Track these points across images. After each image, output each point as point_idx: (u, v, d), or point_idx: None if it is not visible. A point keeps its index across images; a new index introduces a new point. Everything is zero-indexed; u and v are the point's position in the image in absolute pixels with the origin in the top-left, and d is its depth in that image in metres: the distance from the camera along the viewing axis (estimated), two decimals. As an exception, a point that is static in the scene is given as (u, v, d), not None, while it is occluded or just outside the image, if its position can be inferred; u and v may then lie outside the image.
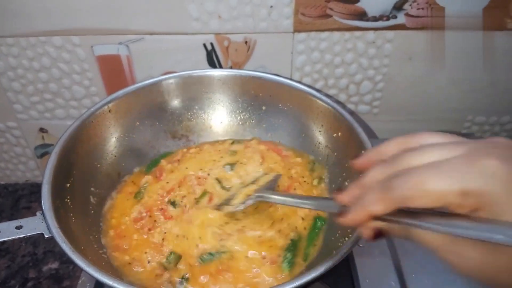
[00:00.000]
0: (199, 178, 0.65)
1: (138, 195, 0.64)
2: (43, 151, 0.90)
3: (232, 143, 0.73)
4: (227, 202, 0.61)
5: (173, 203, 0.62)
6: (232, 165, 0.67)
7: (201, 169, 0.67)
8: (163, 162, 0.69)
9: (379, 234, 0.34)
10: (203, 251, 0.56)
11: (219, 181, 0.65)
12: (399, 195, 0.30)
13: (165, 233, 0.59)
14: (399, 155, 0.32)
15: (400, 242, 0.66)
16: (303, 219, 0.60)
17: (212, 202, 0.62)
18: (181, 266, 0.55)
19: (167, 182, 0.66)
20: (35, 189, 0.94)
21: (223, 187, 0.64)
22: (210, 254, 0.55)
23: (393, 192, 0.30)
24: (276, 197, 0.54)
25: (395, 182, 0.30)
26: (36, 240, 0.82)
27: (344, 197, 0.35)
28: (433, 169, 0.29)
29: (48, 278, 0.76)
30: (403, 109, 0.86)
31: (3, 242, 0.80)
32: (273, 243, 0.56)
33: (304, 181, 0.65)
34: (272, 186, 0.60)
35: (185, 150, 0.72)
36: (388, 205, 0.31)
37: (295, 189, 0.64)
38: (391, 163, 0.32)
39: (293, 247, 0.56)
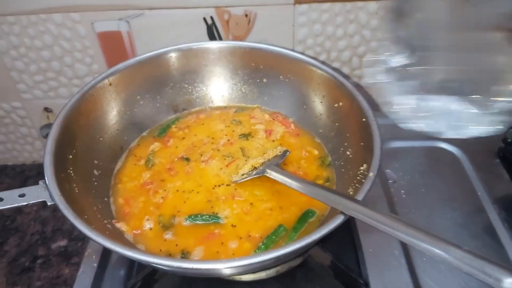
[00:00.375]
0: (228, 141, 0.68)
1: (148, 163, 0.65)
2: (48, 131, 0.90)
3: (236, 111, 0.74)
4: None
5: (187, 159, 0.65)
6: (246, 135, 0.69)
7: (210, 137, 0.69)
8: (173, 128, 0.71)
9: None
10: (193, 207, 0.58)
11: (242, 149, 0.66)
12: None
13: (165, 190, 0.60)
14: None
15: (404, 213, 0.66)
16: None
17: (229, 166, 0.63)
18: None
19: (176, 147, 0.68)
20: (42, 169, 0.95)
21: (244, 155, 0.65)
22: (200, 216, 0.57)
23: None
24: (280, 176, 0.56)
25: None
26: (44, 218, 0.83)
27: None
28: None
29: (57, 255, 0.77)
30: (408, 82, 0.85)
31: (13, 220, 0.83)
32: (263, 220, 0.56)
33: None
34: (279, 162, 0.61)
35: (194, 116, 0.73)
36: None
37: (299, 167, 0.64)
38: None
39: (276, 234, 0.55)
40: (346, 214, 0.44)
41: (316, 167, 0.64)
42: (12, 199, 0.48)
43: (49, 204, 0.47)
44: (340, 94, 0.63)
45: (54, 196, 0.47)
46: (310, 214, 0.56)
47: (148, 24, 0.75)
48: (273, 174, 0.56)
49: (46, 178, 0.49)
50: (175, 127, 0.71)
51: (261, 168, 0.59)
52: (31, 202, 0.48)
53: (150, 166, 0.64)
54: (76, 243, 0.79)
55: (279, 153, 0.63)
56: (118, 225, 0.56)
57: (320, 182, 0.62)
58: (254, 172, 0.60)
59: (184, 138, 0.69)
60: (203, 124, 0.72)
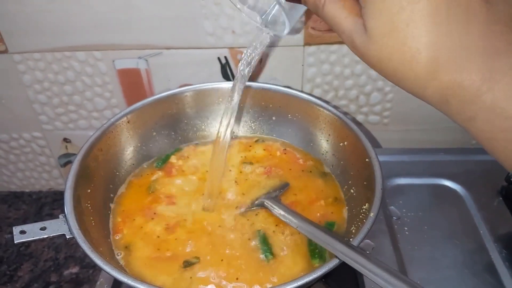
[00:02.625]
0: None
1: (149, 189, 0.68)
2: (66, 160, 0.94)
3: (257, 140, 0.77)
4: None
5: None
6: (250, 164, 0.71)
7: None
8: (173, 158, 0.74)
9: None
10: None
11: (236, 181, 0.69)
12: None
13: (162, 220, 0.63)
14: None
15: (406, 249, 0.67)
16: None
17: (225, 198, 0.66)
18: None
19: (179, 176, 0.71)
20: (58, 196, 0.98)
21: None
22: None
23: None
24: (279, 210, 0.58)
25: None
26: (58, 245, 0.86)
27: None
28: None
29: (69, 282, 0.79)
30: (413, 119, 0.88)
31: (28, 247, 0.86)
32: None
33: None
34: (278, 194, 0.63)
35: (193, 147, 0.76)
36: None
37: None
38: None
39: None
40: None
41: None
42: (34, 232, 0.50)
43: (68, 237, 0.50)
44: (344, 134, 0.66)
45: (73, 230, 0.49)
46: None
47: (166, 62, 0.79)
48: (274, 210, 0.59)
49: (66, 212, 0.52)
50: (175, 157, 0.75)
51: (261, 200, 0.62)
52: (51, 235, 0.51)
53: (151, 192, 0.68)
54: (88, 271, 0.81)
55: (279, 185, 0.66)
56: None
57: (329, 200, 0.65)
58: (253, 207, 0.63)
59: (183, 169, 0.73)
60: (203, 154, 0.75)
